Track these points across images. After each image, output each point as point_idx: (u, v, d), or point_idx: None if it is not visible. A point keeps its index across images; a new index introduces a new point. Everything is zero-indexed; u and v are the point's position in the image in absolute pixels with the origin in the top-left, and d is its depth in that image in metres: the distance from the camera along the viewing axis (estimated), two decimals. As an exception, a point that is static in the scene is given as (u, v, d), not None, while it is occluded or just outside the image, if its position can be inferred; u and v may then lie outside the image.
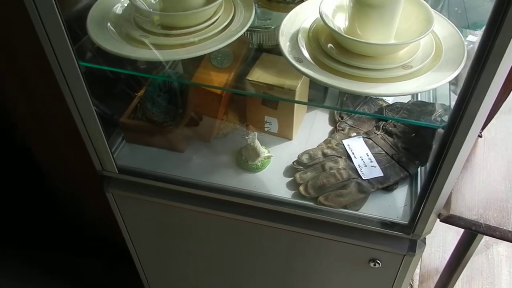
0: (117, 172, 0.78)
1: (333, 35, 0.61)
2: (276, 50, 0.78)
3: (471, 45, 0.80)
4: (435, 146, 0.76)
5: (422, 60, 0.59)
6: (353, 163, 0.77)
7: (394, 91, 0.56)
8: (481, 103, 0.52)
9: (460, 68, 0.57)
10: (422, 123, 0.62)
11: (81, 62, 0.64)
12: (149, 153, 0.83)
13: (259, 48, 0.83)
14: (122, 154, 0.83)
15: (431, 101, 0.83)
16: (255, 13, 0.72)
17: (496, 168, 0.70)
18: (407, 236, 0.69)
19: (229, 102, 0.87)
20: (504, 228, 0.61)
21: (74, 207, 1.33)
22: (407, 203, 0.73)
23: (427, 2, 0.91)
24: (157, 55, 0.62)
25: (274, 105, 0.83)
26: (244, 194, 0.75)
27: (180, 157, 0.82)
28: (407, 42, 0.58)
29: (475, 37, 0.86)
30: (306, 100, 0.86)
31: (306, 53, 0.62)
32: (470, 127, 0.54)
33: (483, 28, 0.84)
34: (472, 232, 0.65)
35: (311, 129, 0.88)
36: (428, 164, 0.76)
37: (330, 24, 0.59)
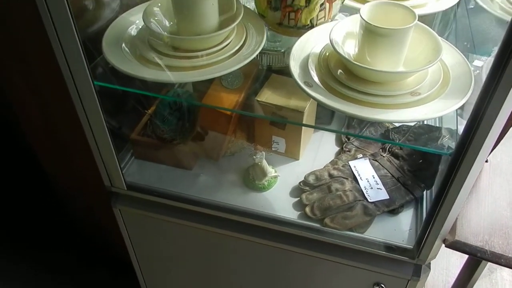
0: (126, 188, 0.79)
1: (342, 61, 0.63)
2: (285, 71, 0.80)
3: (477, 71, 0.82)
4: (441, 170, 0.76)
5: (430, 88, 0.60)
6: (359, 185, 0.78)
7: (403, 117, 0.57)
8: (489, 132, 0.53)
9: (467, 96, 0.58)
10: (430, 150, 0.63)
11: (96, 81, 0.66)
12: (158, 170, 0.84)
13: (269, 69, 0.84)
14: (130, 170, 0.84)
15: (438, 125, 0.84)
16: (266, 32, 0.73)
17: (501, 194, 0.71)
18: (412, 260, 0.70)
19: (238, 121, 0.88)
20: (509, 255, 0.61)
21: (82, 217, 1.34)
22: (412, 227, 0.73)
23: (435, 28, 0.94)
24: (170, 76, 0.63)
25: (282, 125, 0.84)
26: (251, 214, 0.75)
27: (188, 174, 0.83)
28: (415, 70, 0.59)
29: (481, 62, 0.87)
30: (313, 121, 0.88)
31: (315, 78, 0.63)
32: (477, 155, 0.55)
33: (491, 54, 0.85)
34: (477, 259, 0.66)
35: (318, 149, 0.89)
36: (434, 188, 0.77)
37: (340, 51, 0.61)
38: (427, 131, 0.81)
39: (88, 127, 0.70)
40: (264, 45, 0.75)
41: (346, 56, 0.61)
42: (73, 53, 0.61)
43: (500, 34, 0.82)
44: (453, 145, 0.58)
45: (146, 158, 0.86)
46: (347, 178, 0.80)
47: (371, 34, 0.58)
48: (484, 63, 0.86)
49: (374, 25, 0.57)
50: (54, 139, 1.07)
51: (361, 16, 0.58)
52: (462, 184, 0.58)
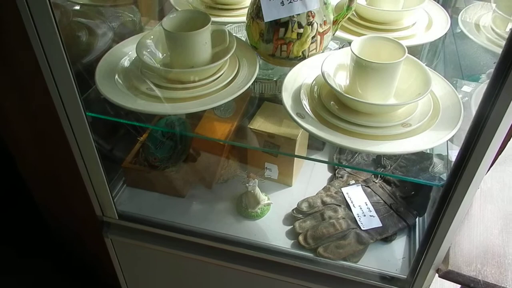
0: (117, 218, 0.78)
1: (334, 93, 0.64)
2: (277, 98, 0.81)
3: (466, 98, 0.83)
4: (433, 197, 0.77)
5: (420, 119, 0.61)
6: (352, 212, 0.78)
7: (394, 149, 0.57)
8: (480, 163, 0.54)
9: (457, 128, 0.59)
10: (421, 181, 0.63)
11: (88, 112, 0.65)
12: (150, 198, 0.84)
13: (261, 96, 0.85)
14: (122, 199, 0.83)
15: (429, 151, 0.85)
16: (258, 61, 0.74)
17: (493, 221, 0.72)
18: (406, 290, 0.70)
19: (230, 148, 0.89)
20: (502, 285, 0.61)
21: (73, 245, 1.31)
22: (405, 255, 0.73)
23: (424, 57, 0.96)
24: (163, 108, 0.63)
25: (275, 153, 0.84)
26: (244, 244, 0.75)
27: (181, 202, 0.83)
28: (405, 103, 0.60)
29: (470, 88, 0.89)
30: (306, 147, 0.88)
31: (308, 109, 0.64)
32: (469, 185, 0.55)
33: (479, 81, 0.87)
34: None
35: (310, 174, 0.89)
36: (426, 216, 0.77)
37: (332, 83, 0.61)
38: (419, 157, 0.82)
39: (80, 158, 0.70)
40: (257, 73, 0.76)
41: (338, 88, 0.61)
42: (65, 85, 0.61)
43: (487, 61, 0.84)
44: (444, 176, 0.59)
45: (138, 185, 0.86)
46: (340, 205, 0.80)
47: (362, 67, 0.59)
48: (472, 89, 0.88)
49: (365, 60, 0.58)
50: (45, 168, 1.06)
51: (352, 51, 0.59)
52: (454, 214, 0.59)
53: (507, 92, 0.47)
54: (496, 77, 0.48)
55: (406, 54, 0.59)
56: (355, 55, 0.59)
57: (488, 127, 0.51)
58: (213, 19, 0.83)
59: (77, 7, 0.89)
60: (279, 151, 0.81)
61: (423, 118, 0.61)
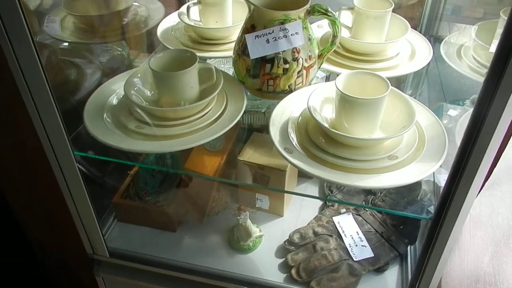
0: (108, 256, 0.77)
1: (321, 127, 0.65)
2: (266, 129, 0.81)
3: (451, 125, 0.84)
4: (423, 224, 0.77)
5: (406, 150, 0.62)
6: (343, 242, 0.78)
7: (381, 183, 0.58)
8: (467, 194, 0.54)
9: (443, 158, 0.60)
10: (410, 215, 0.64)
11: (76, 152, 0.66)
12: (141, 233, 0.83)
13: (250, 127, 0.86)
14: (113, 235, 0.82)
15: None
16: (246, 93, 0.75)
17: (483, 249, 0.72)
18: (400, 321, 0.69)
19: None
20: (495, 315, 0.61)
21: (62, 283, 1.29)
22: (398, 285, 0.73)
23: (408, 85, 0.97)
24: (151, 147, 0.64)
25: (265, 183, 0.84)
26: (237, 280, 0.74)
27: (172, 237, 0.82)
28: (391, 136, 0.61)
29: (455, 112, 0.91)
30: (296, 177, 0.89)
31: (295, 143, 0.65)
32: (457, 216, 0.56)
33: (464, 104, 0.88)
34: (464, 317, 0.66)
35: (301, 204, 0.90)
36: (418, 243, 0.77)
37: (318, 117, 0.62)
38: (407, 186, 0.83)
39: (70, 197, 0.69)
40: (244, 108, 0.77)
41: (324, 122, 0.63)
42: (52, 126, 0.62)
43: (471, 87, 0.86)
44: (432, 208, 0.59)
45: (129, 221, 0.85)
46: (331, 235, 0.80)
47: (347, 103, 0.60)
48: (458, 113, 0.90)
49: (349, 96, 0.59)
50: (36, 205, 1.05)
51: (336, 87, 0.60)
52: (444, 246, 0.59)
53: (492, 118, 0.47)
54: (480, 104, 0.49)
55: (390, 89, 0.60)
56: (340, 91, 0.60)
57: (474, 156, 0.51)
58: (200, 54, 0.85)
59: (66, 44, 0.91)
60: (269, 182, 0.81)
61: (409, 150, 0.62)
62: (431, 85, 0.95)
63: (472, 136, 0.50)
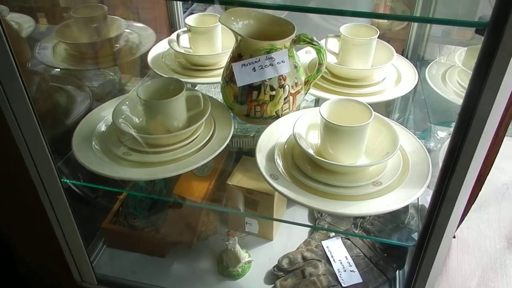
0: (96, 283, 0.77)
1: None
2: (255, 153, 0.82)
3: (439, 145, 0.85)
4: (411, 249, 0.77)
5: (391, 176, 0.63)
6: (332, 267, 0.78)
7: (366, 210, 0.58)
8: (449, 220, 0.55)
9: (426, 184, 0.61)
10: (393, 242, 0.64)
11: (63, 179, 0.66)
12: (130, 259, 0.83)
13: (239, 151, 0.86)
14: (102, 261, 0.82)
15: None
16: (234, 118, 0.76)
17: (470, 273, 0.72)
18: None
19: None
20: None
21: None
22: (387, 311, 0.73)
23: (396, 109, 0.99)
24: (139, 174, 0.64)
25: (254, 207, 0.85)
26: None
27: (162, 262, 0.82)
28: (375, 163, 0.62)
29: (444, 133, 0.92)
30: (285, 200, 0.89)
31: (281, 169, 0.65)
32: (439, 244, 0.56)
33: (451, 126, 0.89)
34: None
35: (291, 226, 0.90)
36: (406, 268, 0.77)
37: (303, 144, 0.63)
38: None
39: (57, 225, 0.69)
40: (235, 126, 0.77)
41: (310, 148, 0.64)
42: (39, 154, 0.62)
43: (456, 110, 0.87)
44: (416, 235, 0.60)
45: (118, 246, 0.85)
46: (320, 260, 0.80)
47: (331, 130, 0.61)
48: (446, 135, 0.91)
49: (333, 123, 0.60)
50: (24, 231, 1.04)
51: (321, 114, 0.62)
52: (429, 271, 0.59)
53: (469, 146, 0.48)
54: (458, 129, 0.50)
55: (373, 116, 0.61)
56: (324, 118, 0.61)
57: (453, 182, 0.52)
58: (190, 80, 0.86)
59: (58, 70, 0.92)
60: (258, 207, 0.81)
61: (394, 175, 0.63)
62: (419, 108, 0.96)
63: (451, 160, 0.51)
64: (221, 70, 0.76)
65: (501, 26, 0.36)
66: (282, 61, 0.69)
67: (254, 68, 0.68)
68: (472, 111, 0.45)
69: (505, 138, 1.18)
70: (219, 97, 0.81)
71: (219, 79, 0.78)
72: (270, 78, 0.69)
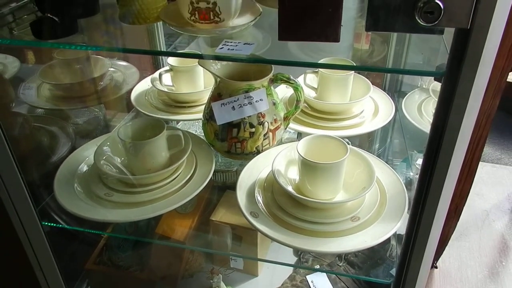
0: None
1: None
2: (237, 187, 0.83)
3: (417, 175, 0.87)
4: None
5: (369, 210, 0.64)
6: (318, 302, 0.78)
7: (344, 248, 0.59)
8: (423, 252, 0.56)
9: (403, 217, 0.62)
10: (371, 279, 0.65)
11: (44, 222, 0.66)
12: (113, 299, 0.82)
13: (223, 185, 0.87)
14: (85, 303, 0.81)
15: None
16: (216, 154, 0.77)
17: (454, 304, 0.73)
18: None
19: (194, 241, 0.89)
20: None
21: None
22: None
23: (377, 139, 1.01)
24: (120, 216, 0.64)
25: (239, 242, 0.85)
26: None
27: (145, 302, 0.81)
28: (352, 199, 0.63)
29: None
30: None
31: (262, 206, 0.66)
32: (417, 278, 0.57)
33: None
34: None
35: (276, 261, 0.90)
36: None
37: (282, 181, 0.64)
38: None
39: (39, 269, 0.69)
40: (218, 160, 0.78)
41: (288, 185, 0.65)
42: (19, 198, 0.62)
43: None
44: (393, 271, 0.60)
45: (102, 287, 0.84)
46: (305, 295, 0.80)
47: (308, 167, 0.63)
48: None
49: (309, 160, 0.61)
50: (5, 274, 1.02)
51: (298, 152, 0.63)
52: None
53: (438, 177, 0.50)
54: (424, 172, 0.52)
55: (348, 152, 0.63)
56: (302, 156, 0.63)
57: (424, 219, 0.53)
58: (173, 117, 0.88)
59: (41, 110, 0.93)
60: (241, 242, 0.82)
61: (371, 210, 0.64)
62: (398, 137, 0.99)
63: (422, 192, 0.52)
64: (203, 107, 0.78)
65: (455, 74, 0.38)
66: (260, 99, 0.71)
67: (233, 106, 0.70)
68: (437, 149, 0.46)
69: (484, 164, 1.21)
70: (202, 131, 0.82)
71: (201, 115, 0.80)
72: (249, 116, 0.71)
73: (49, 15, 0.43)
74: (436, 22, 0.34)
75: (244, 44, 0.46)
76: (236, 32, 0.54)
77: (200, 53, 0.62)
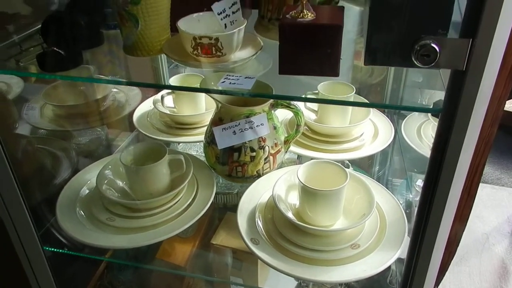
0: None
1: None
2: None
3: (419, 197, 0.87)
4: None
5: (368, 237, 0.64)
6: (318, 326, 0.78)
7: (344, 277, 0.59)
8: (423, 286, 0.56)
9: (402, 245, 0.62)
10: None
11: (45, 247, 0.66)
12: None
13: (224, 207, 0.87)
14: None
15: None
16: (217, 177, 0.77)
17: (455, 330, 0.72)
18: None
19: (195, 265, 0.89)
20: None
21: None
22: None
23: (376, 162, 1.01)
24: (122, 242, 0.65)
25: (239, 266, 0.85)
26: None
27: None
28: (352, 226, 0.63)
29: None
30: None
31: (262, 232, 0.66)
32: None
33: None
34: None
35: (277, 284, 0.89)
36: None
37: (282, 207, 0.64)
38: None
39: (38, 292, 0.69)
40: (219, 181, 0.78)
41: (289, 212, 0.65)
42: (21, 223, 0.63)
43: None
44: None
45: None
46: (306, 320, 0.79)
47: (308, 193, 0.63)
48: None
49: (309, 187, 0.62)
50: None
51: (298, 178, 0.64)
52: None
53: (437, 205, 0.50)
54: (423, 200, 0.52)
55: (348, 179, 0.63)
56: (302, 183, 0.63)
57: (425, 244, 0.54)
58: (175, 139, 0.88)
59: (44, 131, 0.94)
60: (242, 267, 0.82)
61: (371, 236, 0.64)
62: (398, 159, 0.99)
63: (422, 220, 0.53)
64: (205, 129, 0.79)
65: (452, 111, 0.39)
66: (261, 124, 0.72)
67: (234, 131, 0.71)
68: (436, 179, 0.47)
69: (484, 185, 1.21)
70: (203, 152, 0.82)
71: (203, 137, 0.80)
72: (250, 140, 0.71)
73: (54, 48, 0.44)
74: (432, 64, 0.35)
75: (245, 78, 0.47)
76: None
77: (203, 88, 0.63)
